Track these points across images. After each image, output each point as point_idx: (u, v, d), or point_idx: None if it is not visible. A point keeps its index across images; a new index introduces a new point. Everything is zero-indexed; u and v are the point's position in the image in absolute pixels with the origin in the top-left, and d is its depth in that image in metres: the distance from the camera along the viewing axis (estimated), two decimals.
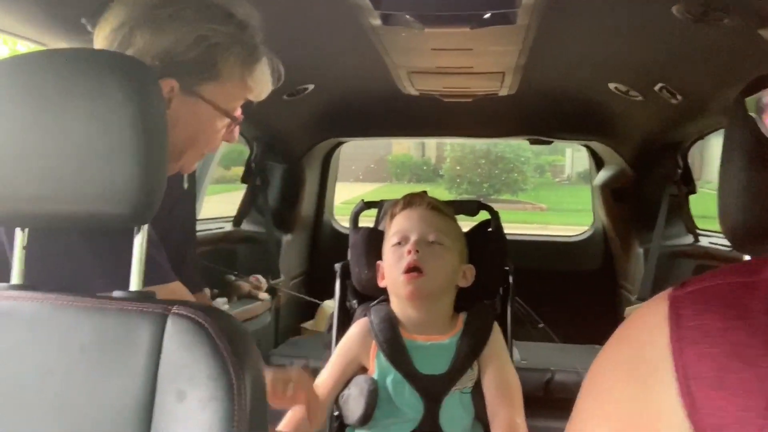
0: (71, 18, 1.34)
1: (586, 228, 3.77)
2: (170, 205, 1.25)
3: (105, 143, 0.80)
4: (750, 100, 0.51)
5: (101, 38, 1.03)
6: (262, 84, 1.13)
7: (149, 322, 0.79)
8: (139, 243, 0.86)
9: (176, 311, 0.79)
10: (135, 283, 0.86)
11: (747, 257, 0.77)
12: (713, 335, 0.55)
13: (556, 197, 14.90)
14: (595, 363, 0.64)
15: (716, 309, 0.57)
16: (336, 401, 1.50)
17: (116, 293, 0.84)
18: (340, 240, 3.42)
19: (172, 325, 0.78)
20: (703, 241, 2.87)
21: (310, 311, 3.37)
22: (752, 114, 0.51)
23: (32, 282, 0.91)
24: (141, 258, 0.86)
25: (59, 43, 1.49)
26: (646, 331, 0.60)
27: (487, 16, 1.50)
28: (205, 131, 1.09)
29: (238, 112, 1.14)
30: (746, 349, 0.54)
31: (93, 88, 0.81)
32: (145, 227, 0.86)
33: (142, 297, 0.84)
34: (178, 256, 1.26)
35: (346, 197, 4.84)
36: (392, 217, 1.56)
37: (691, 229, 2.95)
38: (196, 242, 1.39)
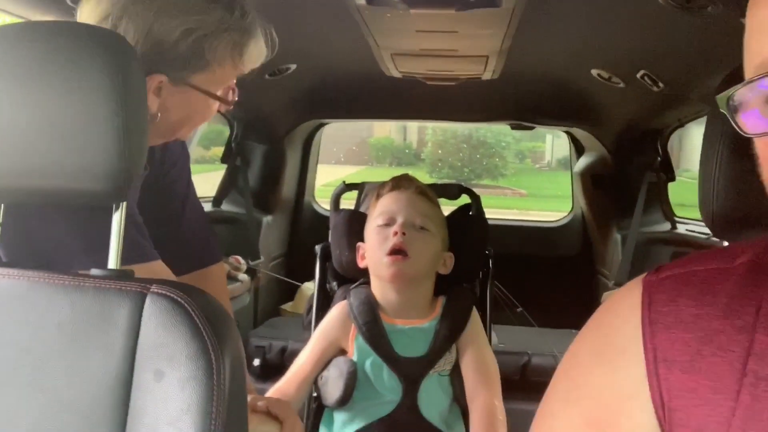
0: None
1: (565, 214, 3.79)
2: (166, 170, 1.25)
3: (83, 119, 0.79)
4: (720, 98, 0.52)
5: None
6: (254, 59, 1.11)
7: (127, 301, 0.78)
8: (118, 220, 0.85)
9: (155, 290, 0.78)
10: (113, 262, 0.85)
11: (726, 244, 0.78)
12: (687, 321, 0.57)
13: (536, 183, 14.97)
14: (570, 348, 0.65)
15: (690, 295, 0.58)
16: (315, 383, 1.50)
17: (94, 271, 0.83)
18: (320, 222, 3.42)
19: (150, 304, 0.77)
20: (681, 229, 2.90)
21: (289, 293, 3.37)
22: (723, 111, 0.52)
23: (12, 259, 0.90)
24: (119, 236, 0.85)
25: (39, 16, 1.46)
26: (619, 315, 0.61)
27: None
28: (198, 111, 1.08)
29: (233, 83, 1.12)
30: (718, 334, 0.56)
31: (71, 62, 0.79)
32: (124, 204, 0.85)
33: (120, 275, 0.83)
34: (178, 222, 1.26)
35: (327, 179, 4.82)
36: (378, 197, 1.56)
37: (669, 216, 2.98)
38: (203, 212, 1.38)
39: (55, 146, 0.79)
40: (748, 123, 0.51)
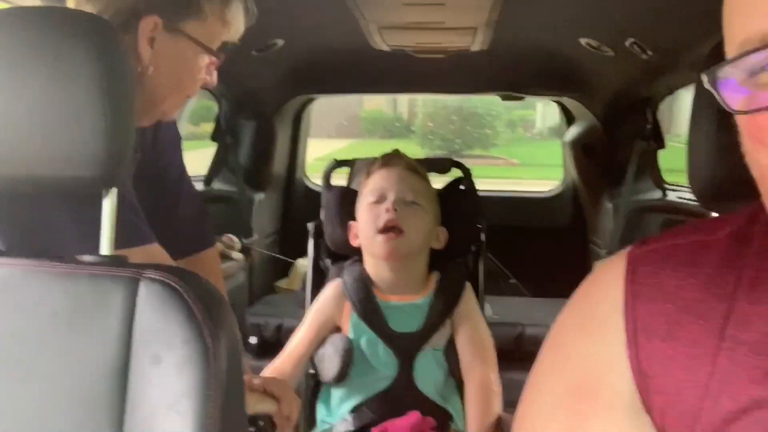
0: None
1: (557, 183, 3.79)
2: (159, 154, 1.24)
3: (69, 104, 0.78)
4: (706, 75, 0.51)
5: None
6: (238, 20, 1.11)
7: (121, 287, 0.78)
8: (108, 206, 0.85)
9: (148, 275, 0.78)
10: (105, 248, 0.85)
11: (714, 214, 0.79)
12: (668, 292, 0.58)
13: (527, 152, 14.98)
14: (556, 320, 0.66)
15: (672, 267, 0.59)
16: (311, 360, 1.52)
17: (86, 257, 0.83)
18: (313, 198, 3.41)
19: (144, 290, 0.77)
20: (671, 196, 2.91)
21: (284, 270, 3.37)
22: (709, 88, 0.51)
23: (8, 247, 0.90)
24: (111, 222, 0.85)
25: (23, 0, 1.44)
26: (603, 287, 0.62)
27: None
28: (187, 70, 1.07)
29: (215, 60, 1.12)
30: (698, 303, 0.57)
31: (55, 47, 0.78)
32: (114, 190, 0.85)
33: (113, 261, 0.83)
34: (172, 208, 1.26)
35: (318, 153, 4.80)
36: (368, 175, 1.55)
37: (660, 184, 2.99)
38: (197, 196, 1.37)
39: (41, 133, 0.79)
40: (733, 100, 0.51)
